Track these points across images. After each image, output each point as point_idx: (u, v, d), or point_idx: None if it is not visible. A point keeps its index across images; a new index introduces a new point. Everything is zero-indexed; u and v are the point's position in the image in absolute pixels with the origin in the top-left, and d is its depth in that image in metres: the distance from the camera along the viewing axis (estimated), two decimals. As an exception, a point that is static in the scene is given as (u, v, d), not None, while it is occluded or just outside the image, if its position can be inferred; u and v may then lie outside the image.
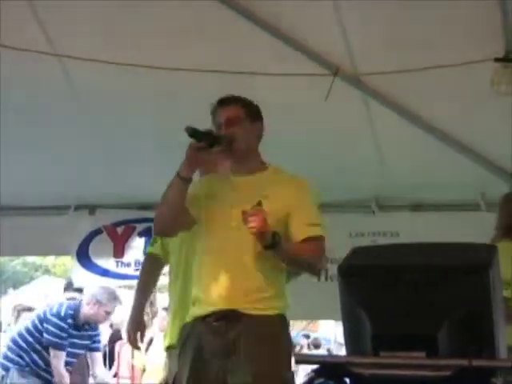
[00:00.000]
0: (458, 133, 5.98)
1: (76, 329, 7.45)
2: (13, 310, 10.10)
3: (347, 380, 3.13)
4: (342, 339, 3.42)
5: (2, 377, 7.58)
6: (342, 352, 3.46)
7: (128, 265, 7.59)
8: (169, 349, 4.62)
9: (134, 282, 8.35)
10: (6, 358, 7.54)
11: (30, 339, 7.43)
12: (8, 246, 7.51)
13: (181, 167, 3.87)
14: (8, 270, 22.73)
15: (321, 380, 3.25)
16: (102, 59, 5.39)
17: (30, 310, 9.12)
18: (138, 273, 7.43)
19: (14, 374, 7.47)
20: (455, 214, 6.51)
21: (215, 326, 3.90)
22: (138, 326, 4.87)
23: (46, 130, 6.22)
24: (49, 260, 24.63)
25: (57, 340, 7.30)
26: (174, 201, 3.91)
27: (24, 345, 7.45)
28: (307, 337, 16.41)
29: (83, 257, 7.58)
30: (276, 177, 4.10)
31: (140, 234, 7.58)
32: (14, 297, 13.17)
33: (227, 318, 3.87)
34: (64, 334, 7.32)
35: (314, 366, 3.22)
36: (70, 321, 7.40)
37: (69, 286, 9.46)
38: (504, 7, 4.82)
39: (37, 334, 7.41)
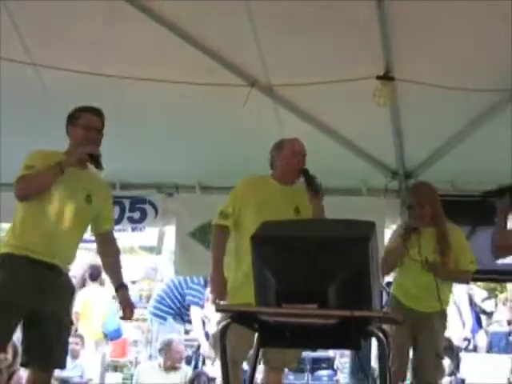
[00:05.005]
0: (347, 133, 6.05)
1: None
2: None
3: (256, 325, 3.16)
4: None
5: (157, 326, 8.59)
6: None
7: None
8: None
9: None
10: (160, 310, 8.63)
11: (173, 300, 8.59)
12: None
13: None
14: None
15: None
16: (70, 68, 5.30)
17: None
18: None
19: (170, 321, 8.58)
20: (342, 198, 6.56)
21: None
22: (222, 288, 4.71)
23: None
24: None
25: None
26: None
27: (170, 302, 8.56)
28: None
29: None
30: None
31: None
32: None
33: None
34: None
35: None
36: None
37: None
38: (384, 35, 4.88)
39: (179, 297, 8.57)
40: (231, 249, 4.79)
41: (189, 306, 8.69)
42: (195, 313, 8.72)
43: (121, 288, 4.45)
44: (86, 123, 4.30)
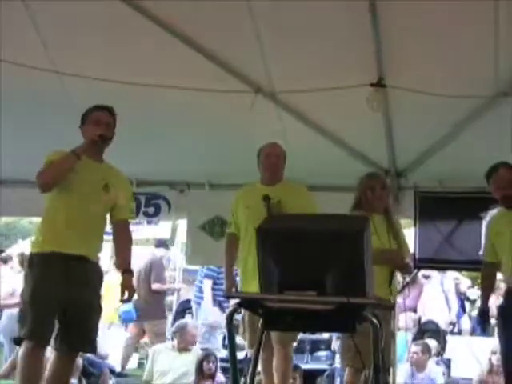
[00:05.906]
0: (344, 136, 6.04)
1: None
2: (19, 256, 9.93)
3: (260, 310, 3.15)
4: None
5: (196, 309, 9.09)
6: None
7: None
8: None
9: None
10: (197, 296, 9.13)
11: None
12: (17, 208, 7.17)
13: None
14: (18, 227, 22.36)
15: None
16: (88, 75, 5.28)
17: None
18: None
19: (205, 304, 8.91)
20: (340, 194, 6.53)
21: None
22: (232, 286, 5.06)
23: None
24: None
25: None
26: None
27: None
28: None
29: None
30: None
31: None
32: (22, 245, 12.89)
33: None
34: None
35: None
36: None
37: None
38: (378, 46, 4.87)
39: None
40: None
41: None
42: (206, 284, 8.86)
43: (126, 272, 4.35)
44: (96, 118, 4.27)
